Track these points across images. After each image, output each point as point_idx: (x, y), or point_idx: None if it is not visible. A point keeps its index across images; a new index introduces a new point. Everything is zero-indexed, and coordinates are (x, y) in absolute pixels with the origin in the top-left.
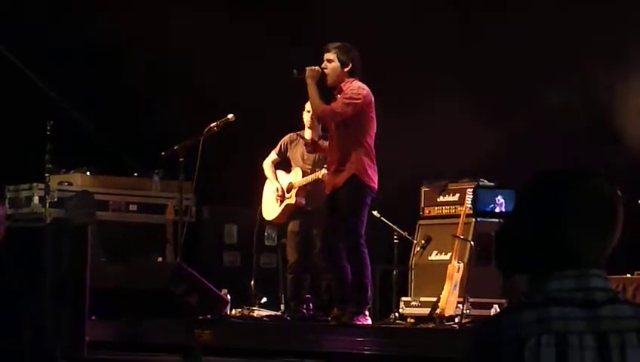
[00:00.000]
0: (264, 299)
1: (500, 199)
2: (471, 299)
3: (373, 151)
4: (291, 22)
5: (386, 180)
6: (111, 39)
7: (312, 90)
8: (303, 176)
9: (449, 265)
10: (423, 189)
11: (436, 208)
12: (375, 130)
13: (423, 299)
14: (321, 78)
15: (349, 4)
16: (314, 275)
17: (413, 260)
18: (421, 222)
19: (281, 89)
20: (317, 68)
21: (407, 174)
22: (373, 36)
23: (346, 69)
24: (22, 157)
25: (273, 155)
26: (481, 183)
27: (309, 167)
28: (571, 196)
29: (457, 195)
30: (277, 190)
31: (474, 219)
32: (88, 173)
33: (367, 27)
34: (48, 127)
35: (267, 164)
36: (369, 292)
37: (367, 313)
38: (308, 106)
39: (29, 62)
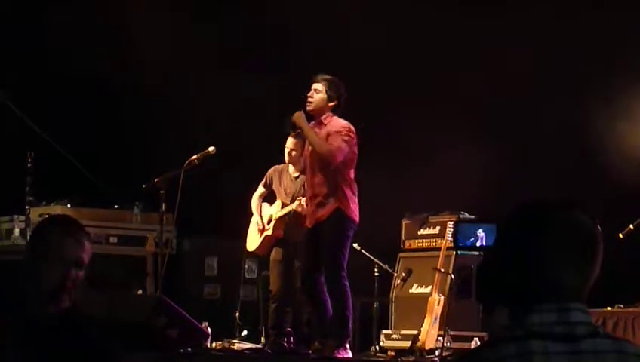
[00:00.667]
0: (244, 332)
1: (480, 233)
2: (451, 332)
3: (355, 184)
4: (270, 53)
5: (367, 213)
6: (90, 69)
7: (309, 133)
8: (282, 208)
9: (430, 298)
10: (404, 222)
11: (417, 241)
12: (355, 162)
13: (403, 331)
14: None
15: (326, 33)
16: (295, 308)
17: (393, 293)
18: (402, 254)
19: (262, 122)
20: (299, 112)
21: (388, 207)
22: (349, 68)
23: (330, 104)
24: (2, 188)
25: (261, 188)
26: (461, 216)
27: (289, 199)
28: (552, 229)
29: (438, 228)
30: (257, 223)
31: (454, 252)
32: (69, 205)
33: (341, 54)
34: (29, 159)
35: (255, 198)
36: (350, 325)
37: (347, 346)
38: (287, 143)
39: (10, 93)
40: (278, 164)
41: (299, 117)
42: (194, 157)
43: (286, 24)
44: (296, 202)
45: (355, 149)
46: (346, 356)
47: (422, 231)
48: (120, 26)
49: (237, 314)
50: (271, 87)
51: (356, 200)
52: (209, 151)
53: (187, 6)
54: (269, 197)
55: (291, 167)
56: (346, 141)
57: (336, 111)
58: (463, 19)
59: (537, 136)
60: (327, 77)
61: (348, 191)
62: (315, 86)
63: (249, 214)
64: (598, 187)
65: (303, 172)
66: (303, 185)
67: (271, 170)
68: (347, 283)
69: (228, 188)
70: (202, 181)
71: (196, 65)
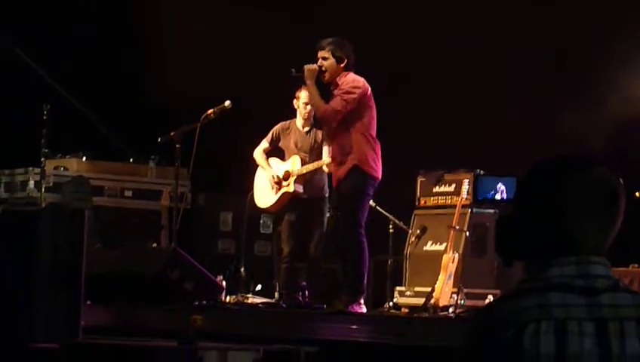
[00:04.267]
0: (259, 287)
1: (501, 186)
2: (465, 290)
3: (376, 141)
4: (288, 8)
5: (382, 170)
6: (109, 25)
7: (312, 90)
8: (302, 164)
9: (444, 256)
10: (419, 179)
11: (432, 198)
12: (375, 119)
13: (417, 288)
14: (318, 74)
15: None
16: (311, 263)
17: (408, 250)
18: (417, 212)
19: (277, 78)
20: (315, 66)
21: (404, 164)
22: (372, 26)
23: (341, 65)
24: (17, 141)
25: (265, 144)
26: (477, 173)
27: (306, 154)
28: (573, 184)
29: (453, 186)
30: (273, 177)
31: (470, 210)
32: (84, 158)
33: (365, 18)
34: (45, 112)
35: (258, 153)
36: (364, 281)
37: (362, 301)
38: (302, 96)
39: (26, 47)
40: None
41: (311, 70)
42: (210, 111)
43: None
44: (326, 159)
45: (371, 104)
46: (359, 311)
47: (437, 189)
48: None
49: (242, 269)
50: (290, 43)
51: (378, 156)
52: (225, 106)
53: None
54: (273, 153)
55: (299, 122)
56: (345, 100)
57: (350, 69)
58: None
59: (554, 94)
60: (330, 40)
61: (366, 148)
62: (322, 54)
63: (254, 169)
64: (620, 146)
65: (313, 126)
66: (316, 140)
67: (277, 127)
68: (364, 240)
69: (243, 143)
70: (218, 135)
71: (217, 18)
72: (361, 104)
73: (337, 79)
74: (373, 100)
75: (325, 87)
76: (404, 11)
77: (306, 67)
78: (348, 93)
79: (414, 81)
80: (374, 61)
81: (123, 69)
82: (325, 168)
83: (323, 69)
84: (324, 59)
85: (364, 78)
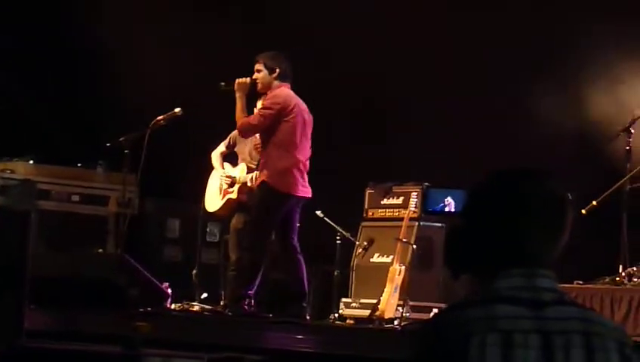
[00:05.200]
0: (205, 295)
1: (449, 199)
2: (411, 303)
3: (296, 156)
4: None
5: (331, 181)
6: (63, 28)
7: (238, 103)
8: (248, 173)
9: (390, 268)
10: (368, 191)
11: (380, 210)
12: (298, 135)
13: (363, 300)
14: (254, 86)
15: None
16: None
17: (354, 261)
18: (364, 223)
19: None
20: (246, 79)
21: (352, 176)
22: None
23: (273, 75)
24: None
25: (222, 147)
26: (425, 186)
27: (255, 163)
28: (522, 195)
29: (402, 198)
30: (220, 178)
31: (417, 223)
32: (31, 162)
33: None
34: None
35: (216, 155)
36: (248, 289)
37: (245, 305)
38: (259, 105)
39: None
40: None
41: (241, 83)
42: (160, 117)
43: None
44: (252, 174)
45: (292, 121)
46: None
47: (385, 201)
48: None
49: (194, 274)
50: (240, 50)
51: (297, 173)
52: (175, 113)
53: None
54: (229, 158)
55: None
56: (263, 115)
57: (286, 80)
58: None
59: (504, 107)
60: (264, 53)
61: (279, 164)
62: (256, 67)
63: (209, 171)
64: (566, 160)
65: None
66: None
67: (235, 132)
68: (253, 255)
69: (192, 151)
70: (167, 142)
71: (164, 24)
72: (279, 120)
73: (269, 91)
74: (297, 116)
75: None
76: (370, 35)
77: (238, 80)
78: (266, 108)
79: (365, 92)
80: (325, 72)
81: (73, 72)
82: (249, 182)
83: (257, 80)
84: (258, 71)
85: (314, 88)
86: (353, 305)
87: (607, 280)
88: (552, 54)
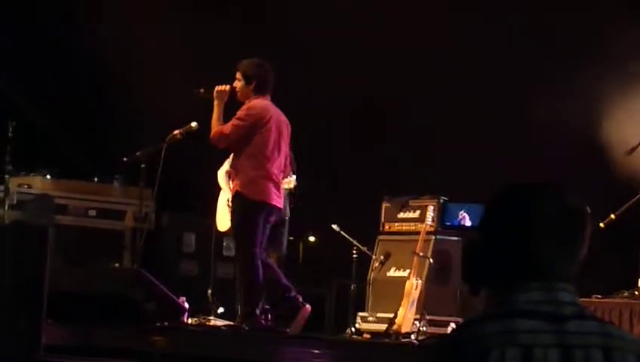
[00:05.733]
0: (221, 309)
1: (463, 213)
2: (428, 317)
3: (268, 167)
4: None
5: (347, 195)
6: (75, 42)
7: (215, 110)
8: None
9: (407, 282)
10: (384, 205)
11: (396, 224)
12: (271, 148)
13: (380, 314)
14: (234, 94)
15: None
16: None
17: (371, 275)
18: (381, 237)
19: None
20: (226, 87)
21: (369, 189)
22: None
23: (250, 86)
24: None
25: (226, 165)
26: (442, 201)
27: None
28: (541, 209)
29: (418, 212)
30: (228, 200)
31: (434, 237)
32: (48, 177)
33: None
34: (10, 128)
35: (221, 174)
36: (254, 299)
37: (257, 314)
38: None
39: None
40: None
41: (220, 91)
42: (176, 131)
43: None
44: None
45: (266, 133)
46: (260, 326)
47: (402, 215)
48: None
49: (209, 291)
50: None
51: (266, 182)
52: (191, 127)
53: None
54: None
55: None
56: (236, 126)
57: (264, 92)
58: None
59: (521, 120)
60: (246, 61)
61: (253, 174)
62: (237, 75)
63: (218, 190)
64: (584, 174)
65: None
66: None
67: None
68: (257, 263)
69: (208, 165)
70: (183, 156)
71: (184, 41)
72: (252, 131)
73: (247, 101)
74: (272, 128)
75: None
76: (370, 37)
77: (217, 88)
78: (239, 118)
79: (379, 106)
80: (339, 86)
81: (90, 86)
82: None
83: (237, 89)
84: (238, 79)
85: (325, 103)
86: (370, 319)
87: (625, 294)
88: (568, 66)
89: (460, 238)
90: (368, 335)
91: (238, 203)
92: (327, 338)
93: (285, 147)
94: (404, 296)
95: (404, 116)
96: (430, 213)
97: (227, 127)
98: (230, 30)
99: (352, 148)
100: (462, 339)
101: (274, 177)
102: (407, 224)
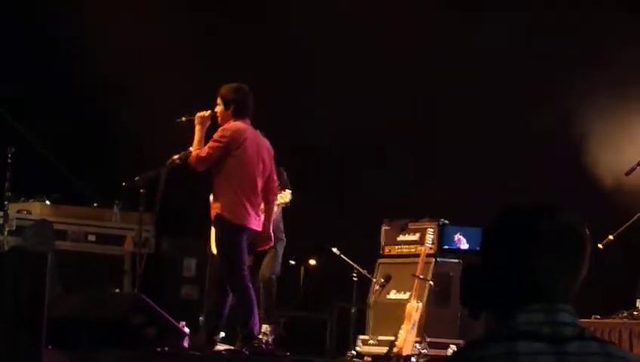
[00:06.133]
0: (222, 334)
1: (459, 236)
2: (428, 339)
3: (246, 189)
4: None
5: (347, 218)
6: (76, 67)
7: (196, 135)
8: None
9: (407, 305)
10: (384, 228)
11: (396, 247)
12: (249, 167)
13: (380, 337)
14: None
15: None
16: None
17: (371, 298)
18: (381, 260)
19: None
20: (206, 113)
21: (368, 212)
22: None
23: (228, 111)
24: None
25: None
26: (441, 223)
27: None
28: (541, 230)
29: (418, 235)
30: None
31: (434, 259)
32: (48, 202)
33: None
34: (9, 155)
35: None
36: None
37: (215, 339)
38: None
39: None
40: None
41: (200, 116)
42: (175, 156)
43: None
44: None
45: (242, 154)
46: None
47: (401, 237)
48: (98, 24)
49: (200, 318)
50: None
51: (248, 205)
52: (190, 151)
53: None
54: None
55: None
56: (211, 148)
57: (243, 115)
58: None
59: (518, 141)
60: (227, 85)
61: (231, 197)
62: (218, 99)
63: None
64: (581, 195)
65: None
66: None
67: None
68: (245, 282)
69: (208, 189)
70: (183, 181)
71: (179, 68)
72: (227, 153)
73: (225, 125)
74: (248, 150)
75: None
76: (375, 65)
77: (198, 114)
78: (215, 141)
79: (379, 131)
80: (338, 110)
81: (87, 112)
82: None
83: (217, 113)
84: (218, 104)
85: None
86: (371, 342)
87: (624, 314)
88: (562, 89)
89: (460, 261)
90: (369, 359)
91: (220, 226)
92: (329, 361)
93: (266, 170)
94: (405, 318)
95: (404, 141)
96: (430, 236)
97: (204, 150)
98: (235, 56)
99: (351, 172)
100: (466, 361)
101: (252, 199)
102: (407, 247)
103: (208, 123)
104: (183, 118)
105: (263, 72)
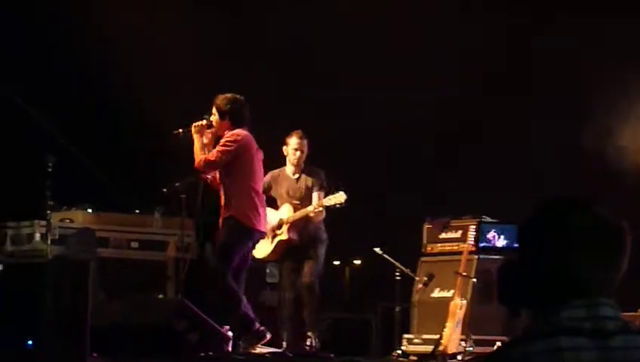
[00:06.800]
0: (268, 335)
1: (492, 233)
2: (473, 337)
3: (258, 193)
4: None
5: (389, 217)
6: (112, 76)
7: (196, 143)
8: (294, 211)
9: (451, 302)
10: (426, 226)
11: (439, 245)
12: (259, 172)
13: (425, 336)
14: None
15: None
16: (310, 297)
17: (415, 297)
18: (423, 258)
19: (277, 128)
20: (202, 122)
21: (410, 211)
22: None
23: (224, 121)
24: (23, 194)
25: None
26: (483, 220)
27: (297, 201)
28: (580, 223)
29: (460, 232)
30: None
31: (476, 256)
32: (89, 210)
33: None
34: (50, 164)
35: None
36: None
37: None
38: (291, 142)
39: (30, 98)
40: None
41: (197, 126)
42: (180, 130)
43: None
44: (311, 206)
45: (251, 159)
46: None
47: (443, 235)
48: (138, 31)
49: None
50: (282, 95)
51: (258, 208)
52: (195, 127)
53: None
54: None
55: (289, 168)
56: (221, 152)
57: (240, 125)
58: None
59: (558, 139)
60: (222, 96)
61: (245, 200)
62: (213, 109)
63: None
64: (622, 188)
65: (303, 172)
66: (307, 186)
67: (267, 176)
68: (233, 284)
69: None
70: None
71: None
72: (240, 157)
73: (224, 134)
74: (257, 154)
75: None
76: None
77: (194, 124)
78: (224, 145)
79: (419, 130)
80: (374, 111)
81: (126, 120)
82: (312, 214)
83: (213, 123)
84: (214, 114)
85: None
86: (416, 341)
87: None
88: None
89: (502, 257)
90: (415, 357)
91: (231, 227)
92: (374, 361)
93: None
94: (449, 316)
95: (443, 138)
96: (472, 233)
97: (212, 154)
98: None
99: (391, 171)
100: (508, 359)
101: (262, 202)
102: (450, 244)
103: (206, 130)
104: (180, 130)
105: (298, 68)
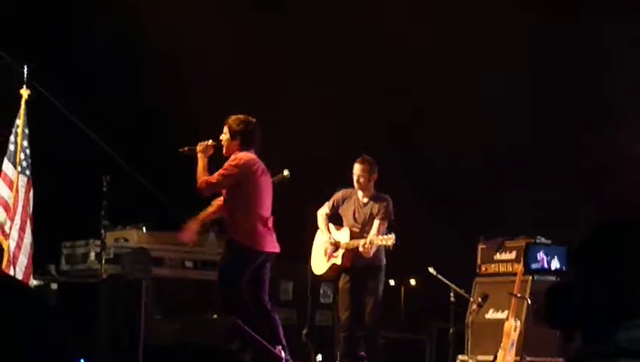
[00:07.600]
0: (319, 357)
1: (541, 255)
2: (528, 358)
3: (262, 216)
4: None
5: (444, 237)
6: (171, 94)
7: (199, 163)
8: (352, 238)
9: (506, 323)
10: (480, 246)
11: (493, 265)
12: (264, 195)
13: (480, 357)
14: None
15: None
16: (368, 332)
17: (469, 318)
18: (478, 279)
19: (336, 144)
20: (208, 142)
21: (464, 231)
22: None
23: (235, 141)
24: (78, 213)
25: (326, 208)
26: (537, 241)
27: (358, 227)
28: (634, 247)
29: (514, 253)
30: (325, 243)
31: (530, 277)
32: (144, 230)
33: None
34: (104, 183)
35: (321, 216)
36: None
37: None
38: (355, 169)
39: (85, 117)
40: (347, 188)
41: (203, 146)
42: (186, 148)
43: None
44: (362, 240)
45: (256, 183)
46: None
47: (498, 256)
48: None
49: (304, 334)
50: (347, 112)
51: (264, 230)
52: (284, 175)
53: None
54: (333, 219)
55: (360, 193)
56: (222, 175)
57: (249, 146)
58: None
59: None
60: (234, 116)
61: (247, 223)
62: (224, 129)
63: (314, 229)
64: None
65: (372, 197)
66: (372, 212)
67: (339, 193)
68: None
69: (301, 212)
70: (275, 204)
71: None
72: (244, 181)
73: (232, 154)
74: (260, 177)
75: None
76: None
77: (199, 144)
78: (226, 169)
79: (471, 152)
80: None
81: (178, 140)
82: (360, 248)
83: (222, 142)
84: (225, 133)
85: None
86: (470, 361)
87: None
88: None
89: (557, 278)
90: None
91: (234, 250)
92: None
93: (270, 192)
94: (504, 337)
95: (496, 161)
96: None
97: (214, 177)
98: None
99: (443, 194)
100: None
101: (268, 222)
102: (504, 265)
103: (211, 152)
104: (186, 148)
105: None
